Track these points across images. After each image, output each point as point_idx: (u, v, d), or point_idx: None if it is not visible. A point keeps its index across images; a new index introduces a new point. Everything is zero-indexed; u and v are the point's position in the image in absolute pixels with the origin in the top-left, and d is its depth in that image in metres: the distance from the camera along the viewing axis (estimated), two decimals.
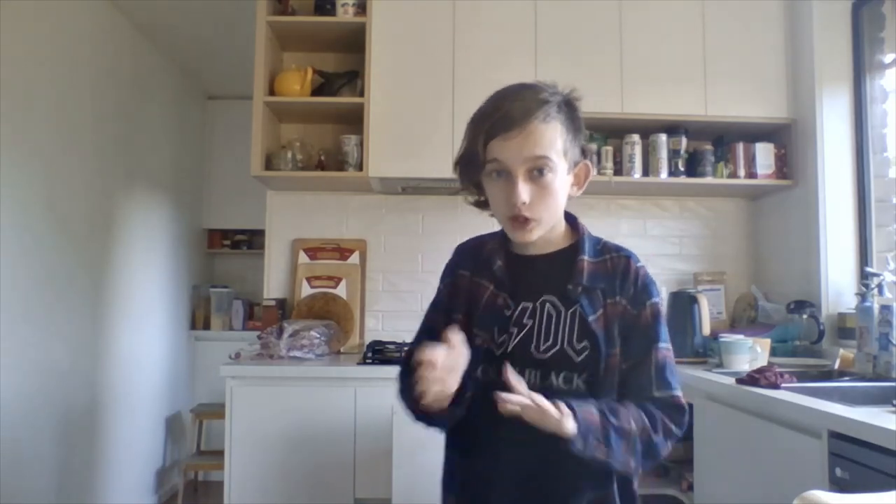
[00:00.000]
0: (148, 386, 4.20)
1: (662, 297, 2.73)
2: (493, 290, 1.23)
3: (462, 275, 1.29)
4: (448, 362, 1.04)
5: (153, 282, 4.30)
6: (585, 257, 1.22)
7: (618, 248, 1.25)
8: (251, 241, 5.31)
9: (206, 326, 5.01)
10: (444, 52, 2.90)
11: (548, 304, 1.20)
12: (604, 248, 1.25)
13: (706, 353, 2.74)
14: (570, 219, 1.29)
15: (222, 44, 4.09)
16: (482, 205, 1.26)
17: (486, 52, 2.88)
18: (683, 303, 2.82)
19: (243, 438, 2.47)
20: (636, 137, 2.95)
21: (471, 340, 1.15)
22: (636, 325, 1.19)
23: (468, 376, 1.12)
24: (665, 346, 1.20)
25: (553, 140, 1.14)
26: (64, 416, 3.17)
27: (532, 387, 1.10)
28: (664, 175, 2.93)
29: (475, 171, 1.19)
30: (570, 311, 1.18)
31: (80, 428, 3.36)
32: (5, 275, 2.67)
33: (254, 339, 2.80)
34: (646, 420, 1.12)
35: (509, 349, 1.19)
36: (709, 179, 2.96)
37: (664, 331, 1.21)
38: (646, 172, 2.94)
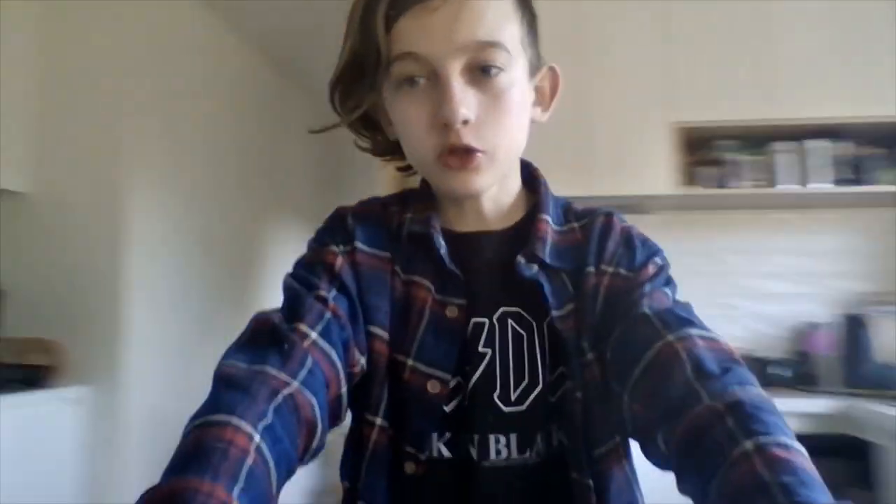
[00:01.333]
0: None
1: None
2: (435, 296, 0.74)
3: (371, 253, 0.76)
4: None
5: None
6: (549, 217, 0.77)
7: (591, 210, 0.80)
8: None
9: None
10: None
11: (510, 320, 0.73)
12: (569, 213, 0.80)
13: (884, 383, 2.39)
14: (524, 166, 0.82)
15: None
16: (385, 149, 0.81)
17: None
18: (853, 326, 2.50)
19: None
20: (790, 144, 2.62)
21: (408, 383, 0.71)
22: (636, 288, 0.71)
23: (383, 463, 0.71)
24: (666, 293, 0.72)
25: (506, 15, 0.69)
26: None
27: (506, 466, 0.70)
28: (824, 184, 2.58)
29: (370, 83, 0.70)
30: (546, 321, 0.73)
31: None
32: (165, 302, 2.83)
33: None
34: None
35: (466, 401, 0.72)
36: (881, 187, 2.58)
37: (673, 288, 0.74)
38: (802, 182, 2.61)
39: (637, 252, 0.75)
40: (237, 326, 0.67)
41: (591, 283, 0.73)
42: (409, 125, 0.70)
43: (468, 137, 0.67)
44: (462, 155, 0.68)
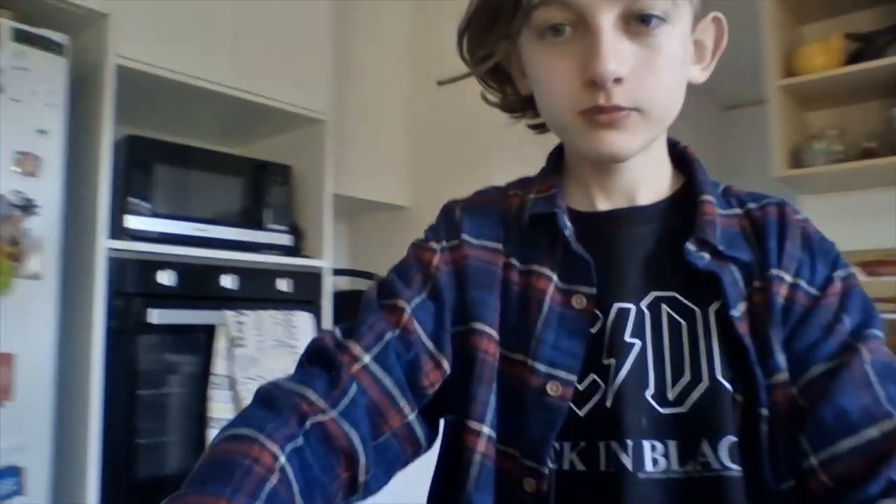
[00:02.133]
0: None
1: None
2: (557, 283, 0.65)
3: (479, 245, 0.69)
4: None
5: None
6: (712, 199, 0.66)
7: (758, 196, 0.69)
8: None
9: None
10: None
11: (664, 306, 0.63)
12: (729, 195, 0.70)
13: None
14: (671, 145, 0.72)
15: (733, 47, 3.91)
16: (516, 105, 0.72)
17: None
18: None
19: None
20: None
21: (517, 384, 0.63)
22: (817, 311, 0.61)
23: (510, 476, 0.62)
24: (880, 336, 0.60)
25: None
26: None
27: (663, 479, 0.59)
28: None
29: (504, 30, 0.62)
30: (712, 307, 0.62)
31: None
32: None
33: None
34: None
35: (609, 402, 0.60)
36: None
37: (873, 314, 0.62)
38: None
39: (817, 260, 0.63)
40: None
41: (773, 290, 0.61)
42: (550, 81, 0.61)
43: (619, 97, 0.58)
44: (611, 115, 0.58)
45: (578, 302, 0.63)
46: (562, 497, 0.60)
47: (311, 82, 2.33)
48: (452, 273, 0.67)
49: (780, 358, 0.59)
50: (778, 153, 2.43)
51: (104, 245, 1.73)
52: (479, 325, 0.64)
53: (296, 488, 0.51)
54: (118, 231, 1.81)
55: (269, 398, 0.57)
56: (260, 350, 1.97)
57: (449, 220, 0.72)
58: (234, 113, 2.31)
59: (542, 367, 0.62)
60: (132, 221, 1.84)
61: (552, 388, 0.61)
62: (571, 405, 0.61)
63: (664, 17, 0.58)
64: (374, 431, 0.59)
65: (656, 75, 0.59)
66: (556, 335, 0.63)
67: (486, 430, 0.62)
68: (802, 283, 0.62)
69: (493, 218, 0.71)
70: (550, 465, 0.60)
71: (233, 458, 0.50)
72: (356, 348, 0.61)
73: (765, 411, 0.58)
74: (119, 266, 1.76)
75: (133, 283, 1.79)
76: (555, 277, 0.65)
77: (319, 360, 0.61)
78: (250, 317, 1.97)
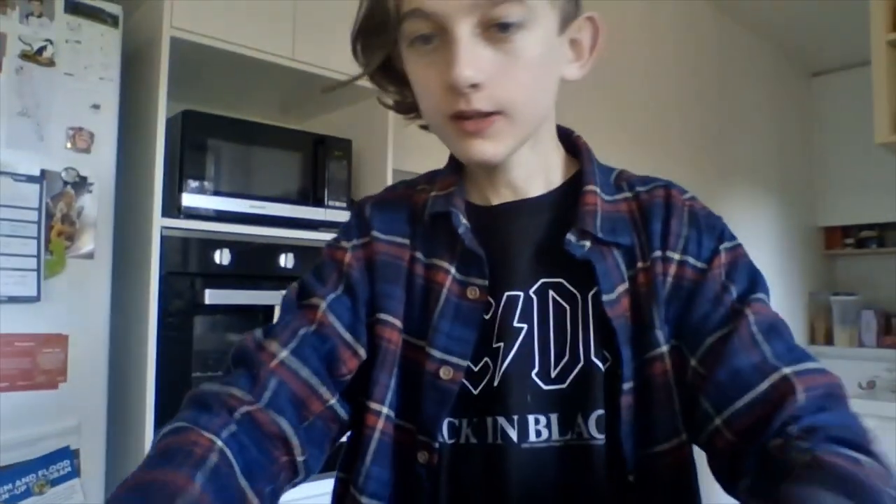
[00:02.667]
0: None
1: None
2: (454, 276, 0.70)
3: (387, 240, 0.74)
4: None
5: None
6: (597, 189, 0.70)
7: (646, 179, 0.74)
8: (881, 237, 4.48)
9: (829, 341, 4.31)
10: None
11: (551, 292, 0.68)
12: (620, 181, 0.74)
13: None
14: (565, 135, 0.77)
15: (825, 8, 3.66)
16: (408, 107, 0.75)
17: None
18: None
19: None
20: None
21: (417, 368, 0.68)
22: (704, 286, 0.66)
23: (411, 448, 0.67)
24: (763, 300, 0.65)
25: None
26: None
27: (544, 447, 0.65)
28: None
29: (384, 42, 0.66)
30: (591, 293, 0.67)
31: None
32: None
33: (892, 359, 2.39)
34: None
35: (496, 381, 0.66)
36: None
37: (759, 280, 0.67)
38: None
39: (703, 235, 0.69)
40: None
41: (657, 271, 0.67)
42: (420, 87, 0.66)
43: (479, 102, 0.61)
44: (477, 119, 0.62)
45: (472, 293, 0.69)
46: (454, 468, 0.68)
47: None
48: (364, 268, 0.72)
49: (659, 334, 0.65)
50: (881, 117, 2.21)
51: (159, 224, 1.69)
52: (383, 316, 0.70)
53: (237, 468, 0.57)
54: (173, 209, 1.77)
55: (198, 399, 0.62)
56: None
57: (360, 219, 0.76)
58: (294, 86, 2.23)
59: (437, 354, 0.68)
60: (187, 199, 1.79)
61: (444, 373, 0.67)
62: (467, 384, 0.68)
63: (521, 23, 0.61)
64: (299, 416, 0.65)
65: (516, 79, 0.62)
66: (451, 324, 0.68)
67: (385, 410, 0.69)
68: (690, 259, 0.67)
69: (402, 213, 0.76)
70: (444, 439, 0.68)
71: (172, 448, 0.55)
72: (273, 345, 0.67)
73: (627, 385, 0.64)
74: (174, 245, 1.72)
75: (188, 263, 1.75)
76: (452, 270, 0.70)
77: (242, 362, 0.67)
78: None
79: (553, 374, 0.67)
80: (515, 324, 0.68)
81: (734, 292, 0.66)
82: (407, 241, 0.74)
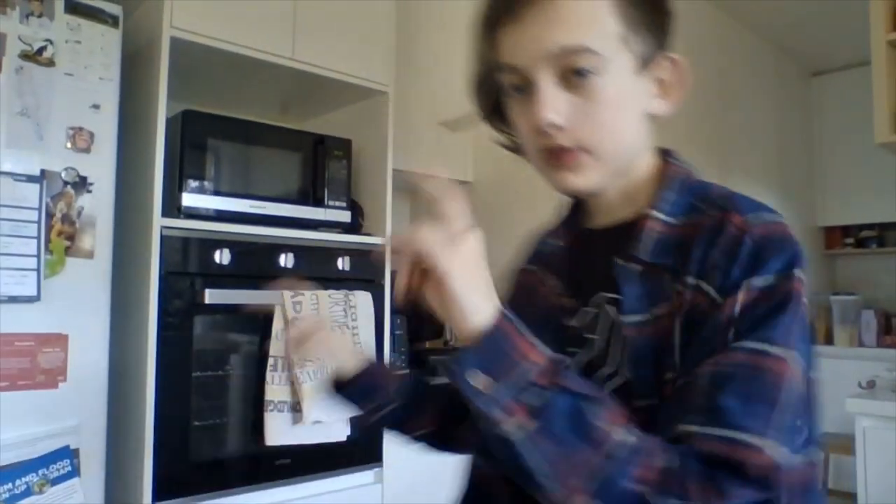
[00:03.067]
0: None
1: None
2: (549, 287, 0.81)
3: (523, 269, 0.91)
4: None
5: None
6: (660, 216, 0.73)
7: (727, 200, 0.72)
8: (881, 237, 4.44)
9: (829, 341, 4.25)
10: None
11: (607, 307, 0.73)
12: (704, 201, 0.73)
13: None
14: (662, 159, 0.81)
15: (825, 8, 3.67)
16: (518, 146, 0.82)
17: None
18: None
19: (881, 487, 1.97)
20: None
21: None
22: (706, 321, 0.64)
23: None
24: (756, 348, 0.61)
25: (594, 16, 0.69)
26: None
27: None
28: None
29: (490, 92, 0.77)
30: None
31: None
32: None
33: (892, 359, 2.42)
34: (633, 442, 0.58)
35: None
36: None
37: (780, 330, 0.62)
38: None
39: (735, 265, 0.65)
40: None
41: (685, 297, 0.67)
42: (519, 128, 0.76)
43: (561, 139, 0.70)
44: (559, 155, 0.72)
45: (561, 303, 0.79)
46: None
47: (373, 53, 2.23)
48: (511, 294, 0.91)
49: (675, 359, 0.66)
50: (881, 116, 2.21)
51: (159, 223, 1.69)
52: None
53: None
54: (173, 209, 1.77)
55: None
56: None
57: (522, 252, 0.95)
58: (293, 86, 2.24)
59: None
60: (187, 199, 1.79)
61: None
62: None
63: (595, 69, 0.69)
64: None
65: (594, 119, 0.70)
66: (538, 330, 0.66)
67: None
68: (704, 286, 0.66)
69: (540, 243, 0.92)
70: None
71: None
72: None
73: (641, 403, 0.67)
74: (174, 245, 1.72)
75: (188, 263, 1.75)
76: (550, 282, 0.82)
77: None
78: (307, 297, 1.91)
79: (606, 384, 0.70)
80: (586, 335, 0.74)
81: (732, 335, 0.63)
82: (535, 267, 0.88)
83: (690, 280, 0.67)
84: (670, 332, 0.67)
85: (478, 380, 0.58)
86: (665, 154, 0.81)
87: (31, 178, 1.49)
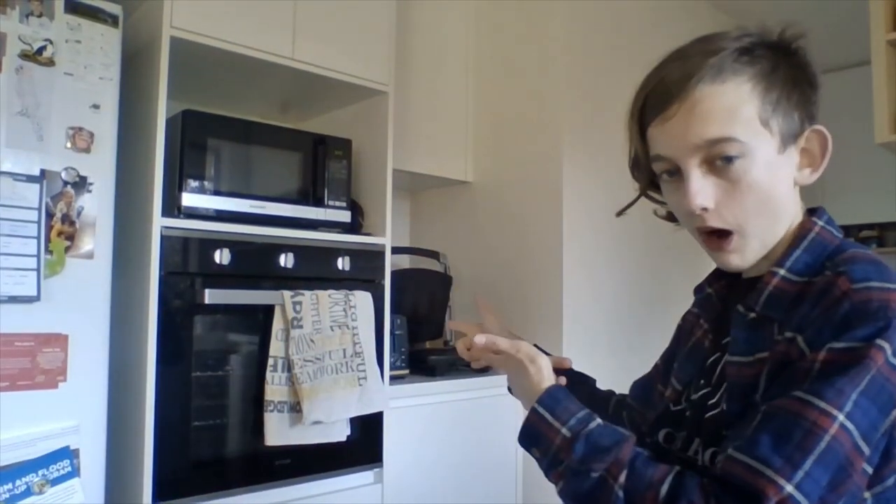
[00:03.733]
0: None
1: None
2: (703, 327, 0.94)
3: (689, 311, 1.02)
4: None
5: None
6: (781, 272, 0.79)
7: (848, 261, 0.74)
8: (882, 237, 4.44)
9: None
10: None
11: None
12: (830, 263, 0.76)
13: None
14: (810, 215, 0.86)
15: (825, 8, 3.64)
16: (673, 218, 0.93)
17: None
18: None
19: None
20: None
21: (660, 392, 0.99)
22: (790, 366, 0.71)
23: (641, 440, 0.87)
24: (804, 398, 0.67)
25: (735, 107, 0.76)
26: None
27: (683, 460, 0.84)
28: None
29: (645, 175, 0.89)
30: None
31: None
32: (605, 283, 2.69)
33: None
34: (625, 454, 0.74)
35: (686, 408, 0.90)
36: None
37: (834, 389, 0.66)
38: None
39: (827, 325, 0.70)
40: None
41: (781, 348, 0.74)
42: (673, 208, 0.87)
43: (712, 221, 0.79)
44: (714, 236, 0.81)
45: (709, 342, 0.91)
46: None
47: (373, 53, 2.23)
48: (678, 332, 1.05)
49: (757, 398, 0.75)
50: (881, 116, 2.21)
51: (159, 223, 1.69)
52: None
53: None
54: (173, 209, 1.77)
55: None
56: (317, 331, 1.91)
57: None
58: (293, 86, 2.24)
59: (673, 381, 0.95)
60: (187, 199, 1.79)
61: (669, 392, 0.95)
62: (669, 405, 0.93)
63: (738, 154, 0.76)
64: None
65: (741, 202, 0.78)
66: (685, 361, 0.94)
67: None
68: (799, 339, 0.72)
69: (703, 290, 0.98)
70: (652, 438, 0.92)
71: None
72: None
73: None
74: (174, 245, 1.72)
75: (188, 263, 1.75)
76: (706, 326, 0.93)
77: None
78: (307, 297, 1.91)
79: (708, 410, 0.85)
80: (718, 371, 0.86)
81: (799, 385, 0.68)
82: (698, 311, 0.98)
83: (789, 333, 0.73)
84: (758, 378, 0.76)
85: (534, 451, 0.82)
86: (811, 212, 0.85)
87: (30, 178, 1.48)
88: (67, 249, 1.53)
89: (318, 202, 2.08)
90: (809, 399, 0.66)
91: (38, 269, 1.46)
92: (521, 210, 2.60)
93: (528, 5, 2.66)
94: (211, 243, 1.79)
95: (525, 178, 2.60)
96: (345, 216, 2.13)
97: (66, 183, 1.55)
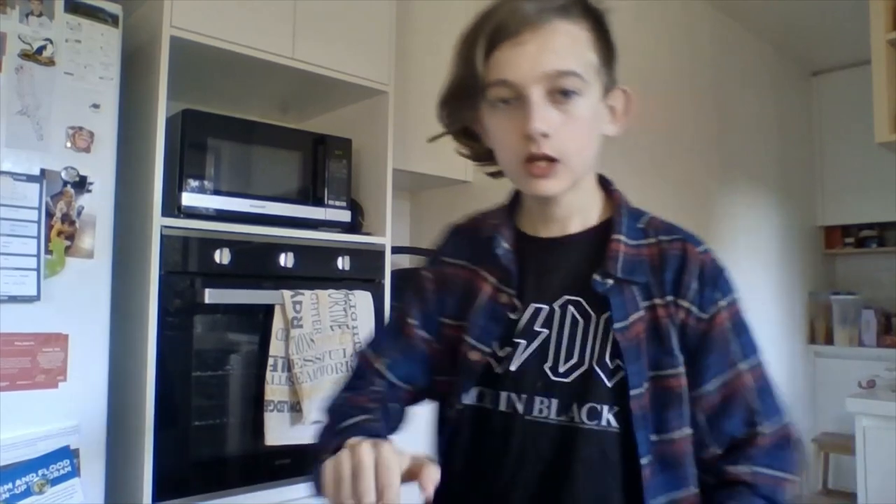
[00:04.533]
0: None
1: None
2: (494, 285, 0.93)
3: (453, 263, 0.99)
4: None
5: (761, 288, 3.87)
6: (622, 237, 0.90)
7: (671, 229, 0.93)
8: (882, 237, 4.49)
9: (829, 341, 4.29)
10: None
11: (570, 307, 0.90)
12: (649, 227, 0.93)
13: None
14: (604, 184, 0.98)
15: (825, 8, 3.68)
16: (482, 156, 0.97)
17: None
18: None
19: (881, 486, 1.98)
20: None
21: (461, 353, 0.92)
22: (708, 338, 0.87)
23: (449, 402, 0.93)
24: (756, 362, 0.90)
25: (581, 47, 0.85)
26: None
27: (543, 422, 0.87)
28: None
29: (470, 104, 0.88)
30: (604, 316, 0.88)
31: None
32: None
33: (892, 358, 2.41)
34: None
35: (513, 367, 0.89)
36: None
37: (751, 339, 0.91)
38: None
39: (706, 289, 0.88)
40: None
41: (671, 311, 0.87)
42: (501, 136, 0.87)
43: (546, 147, 0.82)
44: (543, 164, 0.83)
45: (503, 298, 0.92)
46: (475, 423, 0.91)
47: (373, 53, 2.23)
48: (435, 286, 0.99)
49: (678, 357, 0.86)
50: (881, 116, 2.21)
51: (159, 223, 1.69)
52: (443, 319, 0.97)
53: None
54: (173, 208, 1.77)
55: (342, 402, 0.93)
56: (317, 331, 1.91)
57: (440, 245, 1.04)
58: (293, 86, 2.24)
59: (471, 341, 0.91)
60: (187, 198, 1.79)
61: (472, 355, 0.91)
62: (493, 364, 0.90)
63: (578, 91, 0.83)
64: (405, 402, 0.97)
65: (572, 134, 0.84)
66: (483, 320, 0.92)
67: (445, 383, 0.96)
68: (694, 310, 0.87)
69: (468, 239, 1.01)
70: (471, 402, 0.91)
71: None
72: (378, 364, 0.97)
73: (634, 391, 0.84)
74: (174, 244, 1.72)
75: (188, 262, 1.75)
76: (493, 280, 0.94)
77: (358, 376, 0.98)
78: (307, 296, 1.91)
79: (561, 370, 0.87)
80: (537, 327, 0.90)
81: (735, 349, 0.88)
82: (466, 262, 0.98)
83: (668, 297, 0.87)
84: (649, 336, 0.86)
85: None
86: (604, 180, 0.97)
87: (30, 178, 1.48)
88: (67, 249, 1.54)
89: (319, 202, 2.08)
90: (754, 361, 0.89)
91: (38, 269, 1.46)
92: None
93: None
94: (211, 243, 1.79)
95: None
96: (345, 216, 2.13)
97: (66, 182, 1.55)
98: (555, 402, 0.87)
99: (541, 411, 0.87)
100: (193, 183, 1.81)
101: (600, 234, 0.92)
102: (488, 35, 0.83)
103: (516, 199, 1.00)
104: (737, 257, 3.50)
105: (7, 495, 1.39)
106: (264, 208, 1.95)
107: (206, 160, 1.85)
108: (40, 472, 1.45)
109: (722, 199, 3.53)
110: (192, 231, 1.76)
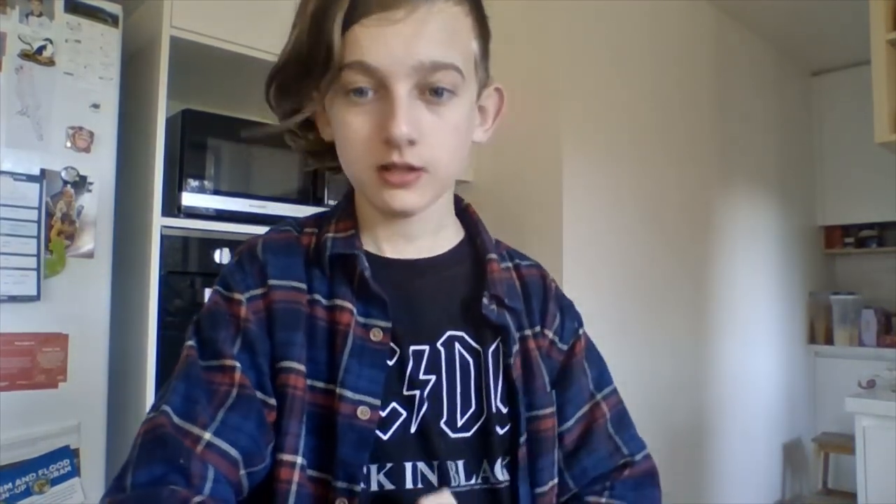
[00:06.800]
0: (760, 406, 3.61)
1: None
2: (358, 318, 0.68)
3: (282, 287, 0.69)
4: None
5: (761, 288, 3.79)
6: (496, 257, 0.76)
7: (520, 253, 0.83)
8: (881, 237, 4.41)
9: (829, 341, 4.20)
10: None
11: (457, 345, 0.71)
12: (501, 250, 0.81)
13: None
14: (457, 202, 0.81)
15: (825, 8, 3.64)
16: (313, 148, 0.75)
17: None
18: None
19: (881, 486, 1.98)
20: None
21: (329, 413, 0.65)
22: (568, 370, 0.78)
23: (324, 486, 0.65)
24: (611, 390, 0.82)
25: (464, 36, 0.67)
26: (668, 435, 2.88)
27: (462, 493, 0.67)
28: None
29: (311, 85, 0.64)
30: (491, 349, 0.72)
31: (686, 447, 2.99)
32: (606, 282, 2.68)
33: (892, 358, 2.41)
34: None
35: (413, 429, 0.68)
36: None
37: (605, 367, 0.83)
38: None
39: (566, 319, 0.79)
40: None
41: (540, 342, 0.76)
42: (352, 136, 0.65)
43: (411, 157, 0.64)
44: (404, 172, 0.65)
45: (375, 335, 0.68)
46: None
47: None
48: (263, 320, 0.68)
49: (552, 395, 0.75)
50: (881, 116, 2.21)
51: (159, 223, 1.69)
52: (286, 364, 0.66)
53: None
54: (173, 208, 1.77)
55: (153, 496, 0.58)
56: None
57: (253, 265, 0.70)
58: None
59: (350, 394, 0.66)
60: (187, 198, 1.79)
61: (362, 413, 0.65)
62: (377, 430, 0.66)
63: (453, 90, 0.65)
64: (238, 494, 0.63)
65: (443, 141, 0.65)
66: (360, 365, 0.67)
67: (299, 460, 0.65)
68: (557, 341, 0.77)
69: (296, 257, 0.72)
70: (364, 485, 0.65)
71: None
72: (195, 429, 0.62)
73: (522, 438, 0.71)
74: (174, 244, 1.72)
75: (188, 262, 1.75)
76: (356, 311, 0.68)
77: (161, 450, 0.61)
78: None
79: (459, 424, 0.70)
80: (422, 376, 0.69)
81: (590, 379, 0.80)
82: (304, 286, 0.70)
83: (536, 328, 0.76)
84: (530, 370, 0.73)
85: None
86: (457, 196, 0.81)
87: (30, 178, 1.48)
88: (67, 249, 1.54)
89: (318, 202, 2.08)
90: (603, 395, 0.80)
91: (38, 269, 1.46)
92: (521, 209, 2.60)
93: (529, 5, 2.66)
94: (211, 243, 1.79)
95: (525, 177, 2.60)
96: None
97: (66, 182, 1.55)
98: (461, 464, 0.69)
99: (455, 479, 0.68)
100: (193, 183, 1.81)
101: (464, 258, 0.76)
102: (349, 5, 0.62)
103: (349, 207, 0.76)
104: (736, 257, 3.50)
105: (7, 495, 1.39)
106: (264, 208, 1.95)
107: (206, 160, 1.85)
108: (40, 472, 1.45)
109: (721, 198, 3.53)
110: (192, 231, 1.76)
